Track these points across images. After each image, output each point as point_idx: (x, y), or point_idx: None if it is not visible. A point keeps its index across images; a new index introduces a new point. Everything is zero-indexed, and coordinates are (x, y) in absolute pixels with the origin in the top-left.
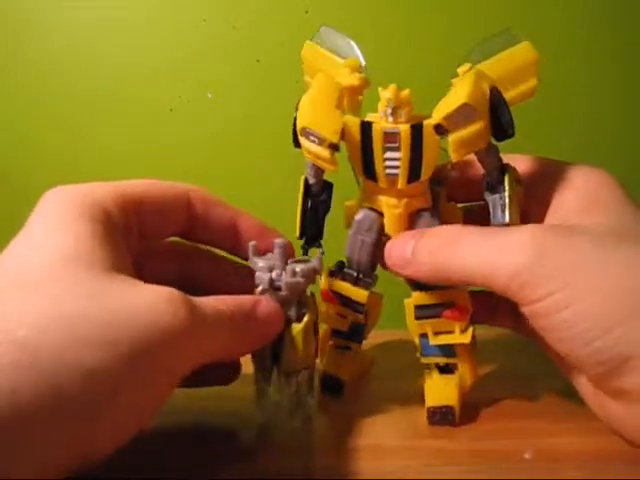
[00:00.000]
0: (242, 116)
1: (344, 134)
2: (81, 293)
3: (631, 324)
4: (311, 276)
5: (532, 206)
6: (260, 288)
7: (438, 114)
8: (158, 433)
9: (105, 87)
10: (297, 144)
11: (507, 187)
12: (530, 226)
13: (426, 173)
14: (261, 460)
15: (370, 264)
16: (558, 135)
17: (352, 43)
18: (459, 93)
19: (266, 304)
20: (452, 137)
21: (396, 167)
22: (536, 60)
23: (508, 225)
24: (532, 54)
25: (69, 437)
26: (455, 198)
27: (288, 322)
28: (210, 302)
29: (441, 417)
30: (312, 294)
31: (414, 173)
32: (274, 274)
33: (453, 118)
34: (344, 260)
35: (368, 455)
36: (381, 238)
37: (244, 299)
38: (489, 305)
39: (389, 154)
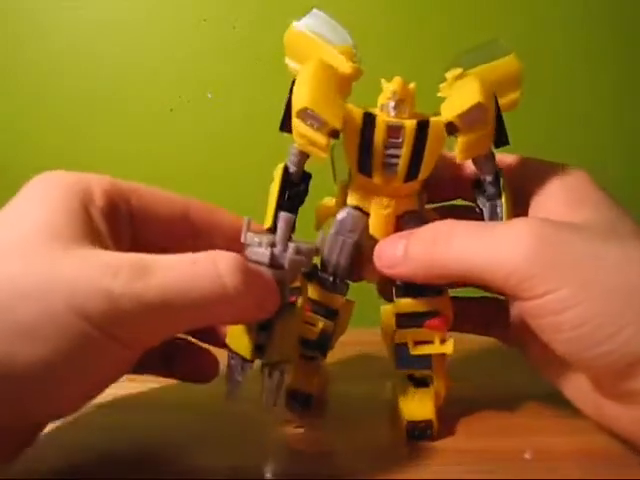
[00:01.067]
0: (242, 116)
1: (344, 123)
2: (35, 259)
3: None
4: (311, 257)
5: (515, 204)
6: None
7: (451, 112)
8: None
9: (105, 87)
10: (284, 128)
11: (504, 193)
12: (526, 218)
13: (425, 172)
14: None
15: (349, 268)
16: (557, 135)
17: (344, 30)
18: (472, 93)
19: (267, 276)
20: (462, 137)
21: (395, 164)
22: (520, 72)
23: None
24: (517, 66)
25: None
26: (441, 197)
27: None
28: (178, 265)
29: (420, 432)
30: (302, 278)
31: (413, 171)
32: (277, 250)
33: (466, 117)
34: (316, 263)
35: (366, 456)
36: (362, 240)
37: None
38: (467, 313)
39: (390, 150)
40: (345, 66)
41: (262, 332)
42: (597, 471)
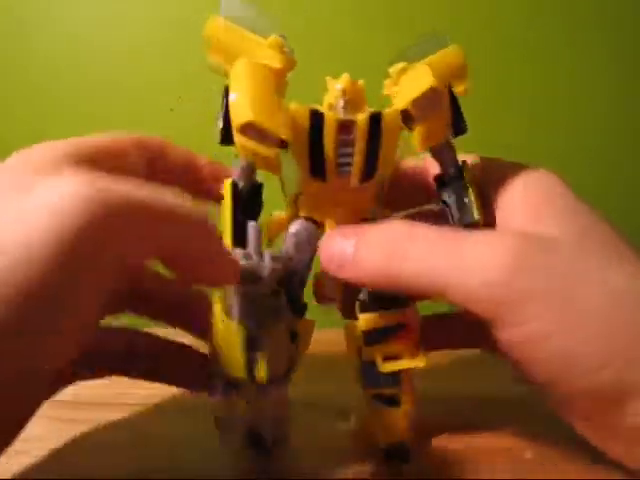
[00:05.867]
0: None
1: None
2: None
3: (631, 355)
4: (286, 265)
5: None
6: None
7: (404, 99)
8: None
9: (105, 87)
10: (225, 141)
11: (469, 184)
12: (500, 233)
13: (383, 168)
14: None
15: (305, 283)
16: (556, 133)
17: (269, 18)
18: (424, 78)
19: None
20: (419, 125)
21: (349, 164)
22: (465, 62)
23: (477, 223)
24: (461, 56)
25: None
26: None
27: (263, 323)
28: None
29: (398, 455)
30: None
31: (369, 169)
32: (254, 262)
33: (420, 103)
34: None
35: (363, 455)
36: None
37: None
38: (446, 326)
39: (343, 149)
40: (275, 60)
41: (252, 351)
42: (598, 471)
